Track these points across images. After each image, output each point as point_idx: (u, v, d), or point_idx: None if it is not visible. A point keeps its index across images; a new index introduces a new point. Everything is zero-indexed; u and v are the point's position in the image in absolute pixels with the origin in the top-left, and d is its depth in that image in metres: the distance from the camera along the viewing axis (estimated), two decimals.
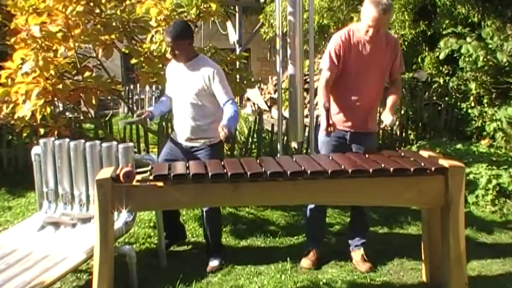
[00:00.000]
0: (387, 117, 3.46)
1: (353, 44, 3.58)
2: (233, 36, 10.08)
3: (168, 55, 3.86)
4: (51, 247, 3.31)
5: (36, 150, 3.79)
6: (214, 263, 3.83)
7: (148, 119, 3.90)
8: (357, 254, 3.85)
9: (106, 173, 2.89)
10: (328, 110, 3.46)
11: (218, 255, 3.89)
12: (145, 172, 2.92)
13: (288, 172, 2.79)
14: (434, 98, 8.23)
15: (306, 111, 7.01)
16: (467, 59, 7.16)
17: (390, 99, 3.66)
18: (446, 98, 8.04)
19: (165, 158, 3.82)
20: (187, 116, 3.71)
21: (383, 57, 3.61)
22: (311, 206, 3.87)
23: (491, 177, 5.33)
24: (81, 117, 5.34)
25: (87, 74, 4.29)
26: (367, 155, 3.17)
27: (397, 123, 7.94)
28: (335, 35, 3.67)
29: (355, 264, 3.80)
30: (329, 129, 3.44)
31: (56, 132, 4.26)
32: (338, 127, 3.57)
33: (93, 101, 4.20)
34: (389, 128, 3.57)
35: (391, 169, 2.83)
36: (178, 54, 3.63)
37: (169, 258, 3.89)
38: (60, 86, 4.03)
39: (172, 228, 4.14)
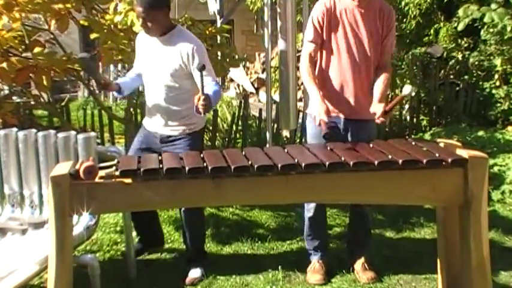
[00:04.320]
0: (379, 107, 3.44)
1: (339, 13, 3.58)
2: (213, 5, 10.02)
3: (138, 28, 3.83)
4: None
5: None
6: (195, 273, 3.85)
7: (115, 93, 3.89)
8: (358, 263, 3.88)
9: (63, 168, 2.87)
10: (318, 93, 3.46)
11: (200, 264, 3.90)
12: (110, 167, 2.91)
13: (279, 165, 2.79)
14: (451, 76, 8.29)
15: (299, 94, 7.04)
16: (491, 30, 7.19)
17: (378, 88, 3.60)
18: (466, 77, 8.10)
19: (138, 147, 3.82)
20: (162, 99, 3.71)
21: (375, 29, 3.61)
22: (309, 214, 3.88)
23: None
24: (32, 102, 5.31)
25: (37, 50, 4.26)
26: (371, 145, 3.18)
27: (407, 107, 7.98)
28: (318, 2, 3.66)
29: (356, 275, 3.83)
30: (322, 119, 3.37)
31: (0, 121, 4.23)
32: (332, 114, 3.57)
33: (46, 83, 4.18)
34: (386, 121, 3.53)
35: (400, 161, 2.84)
36: (151, 26, 3.57)
37: (140, 268, 3.90)
38: (4, 65, 3.99)
39: (148, 232, 4.15)
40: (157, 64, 3.69)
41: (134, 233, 4.08)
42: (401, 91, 3.42)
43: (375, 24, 3.61)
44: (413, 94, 7.75)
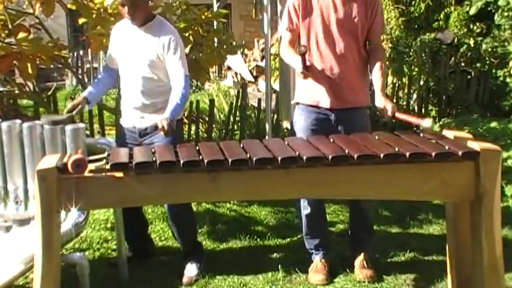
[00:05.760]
0: (381, 101, 3.52)
1: (316, 0, 3.63)
2: None
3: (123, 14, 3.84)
4: None
5: None
6: (191, 271, 3.87)
7: (87, 107, 3.97)
8: (357, 260, 3.91)
9: (50, 161, 2.87)
10: (303, 55, 3.46)
11: (195, 259, 3.92)
12: (100, 160, 2.92)
13: (279, 158, 2.79)
14: (463, 64, 8.28)
15: None
16: (505, 14, 7.15)
17: (377, 78, 3.67)
18: (478, 64, 8.09)
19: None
20: (138, 91, 3.77)
21: (358, 15, 3.65)
22: (306, 211, 3.90)
23: None
24: (16, 91, 5.30)
25: (22, 35, 4.25)
26: (377, 136, 3.18)
27: (415, 97, 7.97)
28: None
29: (355, 273, 3.86)
30: (306, 69, 3.45)
31: None
32: (320, 104, 3.69)
33: (31, 71, 4.17)
34: (390, 116, 3.56)
35: (408, 154, 2.84)
36: (135, 14, 3.65)
37: (132, 268, 3.91)
38: None
39: (138, 241, 4.16)
40: (135, 54, 3.75)
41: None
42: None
43: (358, 11, 3.65)
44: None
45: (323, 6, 3.62)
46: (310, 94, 3.72)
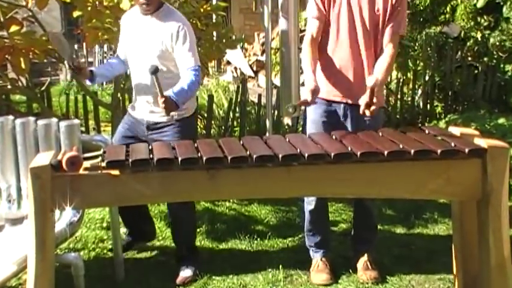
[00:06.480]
0: (364, 97, 3.40)
1: None
2: None
3: (126, 5, 3.83)
4: None
5: None
6: (186, 272, 3.87)
7: (86, 81, 3.88)
8: (360, 261, 3.91)
9: (43, 159, 2.87)
10: (313, 71, 3.46)
11: (191, 263, 3.92)
12: (95, 157, 2.91)
13: (280, 156, 2.79)
14: (469, 58, 8.27)
15: (302, 78, 7.02)
16: None
17: (378, 62, 3.62)
18: (485, 59, 8.07)
19: (123, 135, 3.84)
20: (148, 83, 3.72)
21: (382, 6, 3.61)
22: (310, 206, 3.90)
23: None
24: (9, 87, 5.31)
25: (14, 29, 4.25)
26: (380, 133, 3.18)
27: (420, 92, 7.96)
28: None
29: (358, 274, 3.86)
30: (310, 97, 3.39)
31: None
32: (331, 97, 3.66)
33: (24, 65, 4.17)
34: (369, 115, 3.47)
35: (412, 151, 2.84)
36: (151, 1, 3.62)
37: (128, 268, 3.91)
38: None
39: (137, 223, 4.15)
40: (143, 45, 3.72)
41: (122, 230, 4.09)
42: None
43: (383, 4, 3.61)
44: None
45: None
46: (324, 88, 3.68)
